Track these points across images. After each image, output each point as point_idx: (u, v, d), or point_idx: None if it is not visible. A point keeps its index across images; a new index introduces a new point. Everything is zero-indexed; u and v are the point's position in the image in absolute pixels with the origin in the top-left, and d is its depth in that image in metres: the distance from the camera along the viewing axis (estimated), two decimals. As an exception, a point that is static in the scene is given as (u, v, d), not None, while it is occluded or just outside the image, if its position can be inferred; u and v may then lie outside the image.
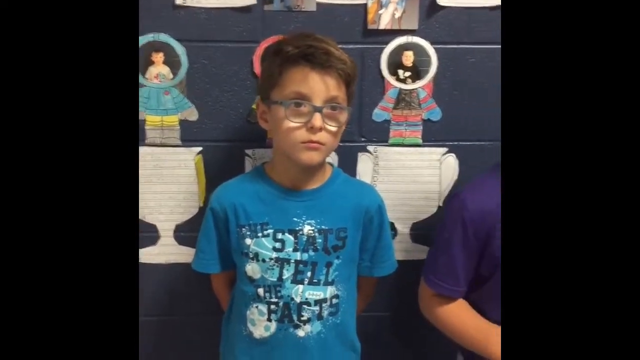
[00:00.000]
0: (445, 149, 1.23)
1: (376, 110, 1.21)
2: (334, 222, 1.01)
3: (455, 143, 1.24)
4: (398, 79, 1.19)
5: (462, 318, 0.96)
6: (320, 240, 1.00)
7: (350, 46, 1.17)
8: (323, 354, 1.03)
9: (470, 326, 0.95)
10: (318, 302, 1.01)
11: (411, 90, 1.20)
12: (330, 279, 1.02)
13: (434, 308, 0.99)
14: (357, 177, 1.25)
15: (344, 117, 0.97)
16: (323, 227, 1.00)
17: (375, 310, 1.26)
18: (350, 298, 1.06)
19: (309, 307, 1.01)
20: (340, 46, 1.04)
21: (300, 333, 1.01)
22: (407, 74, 1.19)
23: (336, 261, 1.02)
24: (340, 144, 1.23)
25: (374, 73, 1.19)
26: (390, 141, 1.23)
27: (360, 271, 1.09)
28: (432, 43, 1.18)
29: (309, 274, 1.00)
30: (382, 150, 1.23)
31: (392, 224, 1.25)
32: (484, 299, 0.96)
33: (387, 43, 1.17)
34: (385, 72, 1.19)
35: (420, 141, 1.23)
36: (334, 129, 0.95)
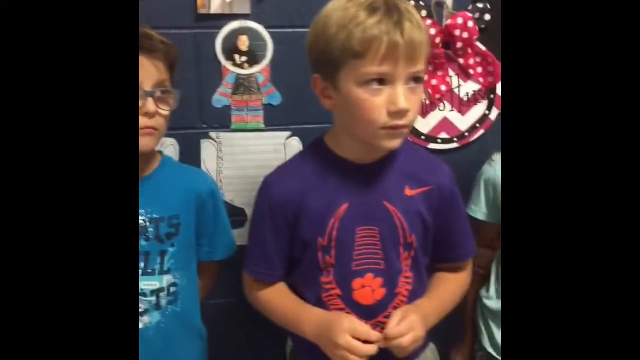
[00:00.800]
0: (288, 133, 1.25)
1: (215, 96, 1.20)
2: (164, 210, 1.00)
3: (299, 126, 1.25)
4: (235, 64, 1.19)
5: (278, 301, 0.96)
6: (151, 230, 0.98)
7: (184, 31, 1.15)
8: (164, 343, 1.02)
9: (286, 308, 0.95)
10: (154, 292, 1.00)
11: (249, 75, 1.20)
12: (165, 268, 1.00)
13: (254, 293, 0.99)
14: (202, 165, 1.24)
15: (173, 100, 0.96)
16: (154, 215, 0.99)
17: (222, 297, 1.26)
18: (190, 285, 1.05)
19: (144, 298, 0.99)
20: (172, 31, 1.03)
21: (139, 325, 0.99)
22: (244, 58, 1.19)
23: (171, 249, 1.00)
24: (182, 131, 1.23)
25: (210, 58, 1.18)
26: (233, 126, 1.23)
27: (200, 257, 1.08)
28: (266, 27, 1.18)
29: (142, 264, 0.98)
30: (225, 136, 1.23)
31: (242, 210, 1.25)
32: (298, 282, 0.97)
33: (220, 28, 1.17)
34: (220, 57, 1.18)
35: (262, 125, 1.23)
36: (165, 112, 0.94)
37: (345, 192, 0.90)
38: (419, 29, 0.80)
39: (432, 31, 1.17)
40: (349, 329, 0.83)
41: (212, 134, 1.23)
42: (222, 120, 1.22)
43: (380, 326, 0.89)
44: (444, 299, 0.96)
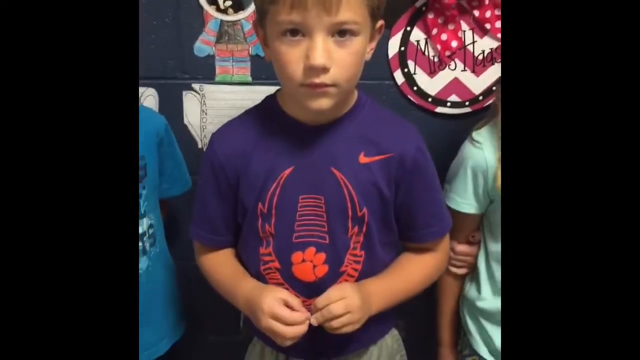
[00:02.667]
0: (277, 87, 1.14)
1: (197, 44, 1.10)
2: None
3: (290, 81, 1.14)
4: (218, 9, 1.08)
5: (219, 268, 0.89)
6: None
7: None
8: (155, 286, 1.03)
9: (224, 278, 0.87)
10: (139, 238, 0.99)
11: (234, 22, 1.09)
12: (142, 211, 0.99)
13: (199, 259, 0.92)
14: (185, 118, 1.16)
15: None
16: None
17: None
18: (160, 224, 1.06)
19: None
20: None
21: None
22: (228, 3, 1.07)
23: (143, 192, 0.99)
24: (161, 81, 1.14)
25: (191, 1, 1.07)
26: (217, 78, 1.13)
27: (160, 194, 1.06)
28: (253, -33, 1.06)
29: None
30: (209, 89, 1.14)
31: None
32: (241, 252, 0.90)
33: (201, -33, 1.05)
34: (202, 0, 1.07)
35: (249, 79, 1.13)
36: None
37: (291, 156, 0.81)
38: None
39: (441, -23, 1.02)
40: (270, 313, 0.76)
41: (195, 85, 1.14)
42: (205, 71, 1.13)
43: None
44: (397, 280, 0.85)
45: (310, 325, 0.77)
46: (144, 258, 1.00)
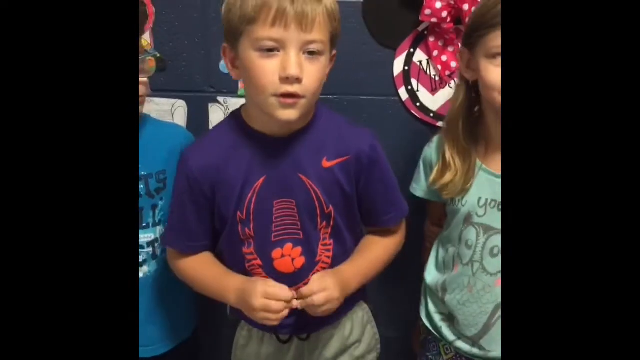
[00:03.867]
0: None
1: (222, 62, 1.23)
2: (152, 166, 1.05)
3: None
4: (242, 31, 1.21)
5: (201, 270, 0.97)
6: (142, 186, 1.04)
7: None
8: (164, 288, 1.10)
9: (209, 278, 0.96)
10: (150, 244, 1.07)
11: (256, 43, 1.22)
12: (157, 220, 1.07)
13: (177, 264, 0.99)
14: (210, 127, 1.27)
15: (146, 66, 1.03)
16: (143, 173, 1.04)
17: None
18: None
19: (142, 250, 1.06)
20: None
21: (139, 274, 1.07)
22: (251, 25, 1.20)
23: (160, 202, 1.07)
24: (190, 94, 1.27)
25: (217, 23, 1.19)
26: (239, 92, 1.25)
27: None
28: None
29: None
30: (232, 102, 1.26)
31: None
32: (224, 252, 0.99)
33: (229, -6, 1.18)
34: (228, 23, 1.20)
35: (268, 93, 1.25)
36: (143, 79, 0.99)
37: (262, 166, 0.91)
38: (316, 1, 0.81)
39: (439, 5, 1.14)
40: (263, 292, 0.86)
41: (220, 98, 1.26)
42: (229, 86, 1.25)
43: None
44: (366, 262, 0.98)
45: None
46: (153, 262, 1.07)
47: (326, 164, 0.92)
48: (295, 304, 0.88)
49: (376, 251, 1.00)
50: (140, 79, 0.98)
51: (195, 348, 1.21)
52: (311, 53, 0.82)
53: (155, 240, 1.07)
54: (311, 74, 0.82)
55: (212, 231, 0.97)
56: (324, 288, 0.87)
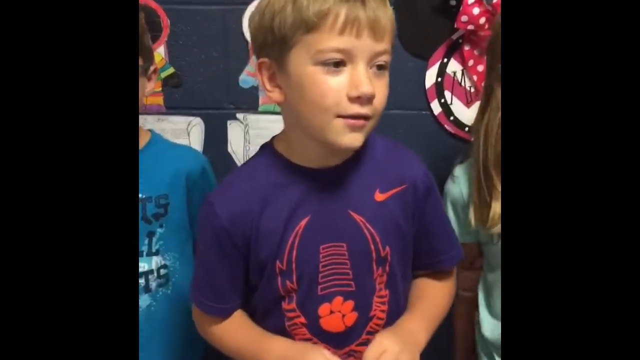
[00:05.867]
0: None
1: (242, 76, 1.16)
2: (152, 189, 0.97)
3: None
4: (263, 43, 1.13)
5: (234, 334, 0.82)
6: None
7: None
8: (156, 327, 0.99)
9: (243, 341, 0.81)
10: (143, 275, 0.97)
11: (278, 55, 1.14)
12: (154, 250, 0.98)
13: (205, 326, 0.84)
14: (229, 147, 1.20)
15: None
16: (141, 196, 0.96)
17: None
18: (185, 268, 1.01)
19: None
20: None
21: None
22: (272, 37, 1.13)
23: (159, 230, 0.98)
24: (209, 111, 1.20)
25: (237, 36, 1.14)
26: (260, 108, 1.18)
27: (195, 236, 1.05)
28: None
29: None
30: (252, 118, 1.19)
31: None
32: (257, 310, 0.83)
33: (248, 4, 1.11)
34: (248, 35, 1.13)
35: (291, 109, 1.18)
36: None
37: (304, 205, 0.77)
38: (383, 3, 0.70)
39: (476, 10, 1.05)
40: (321, 358, 0.73)
41: (239, 115, 1.19)
42: (249, 102, 1.18)
43: (353, 355, 0.79)
44: (431, 312, 0.82)
45: None
46: (145, 296, 0.98)
47: (379, 196, 0.78)
48: None
49: (435, 295, 0.84)
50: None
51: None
52: (379, 67, 0.70)
53: (150, 271, 0.98)
54: (381, 92, 0.70)
55: (246, 288, 0.82)
56: (382, 351, 0.72)
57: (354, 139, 0.70)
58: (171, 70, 1.17)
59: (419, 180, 0.80)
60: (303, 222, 0.77)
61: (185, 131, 1.19)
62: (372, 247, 0.78)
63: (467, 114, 1.18)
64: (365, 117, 0.69)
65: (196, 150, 1.13)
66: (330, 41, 0.66)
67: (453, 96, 1.18)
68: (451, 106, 1.18)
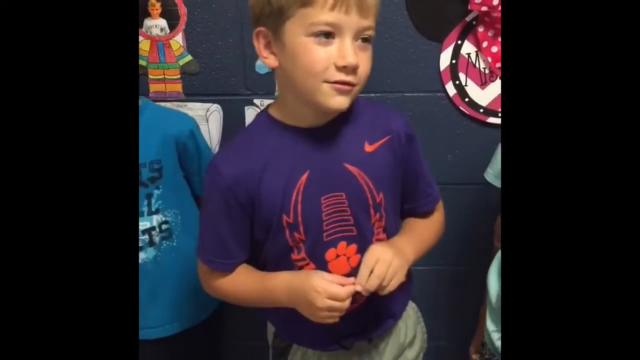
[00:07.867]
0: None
1: (258, 62, 1.18)
2: (145, 156, 1.04)
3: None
4: (278, 29, 1.15)
5: (241, 282, 0.89)
6: None
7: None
8: (164, 274, 1.11)
9: (250, 286, 0.88)
10: (146, 231, 1.08)
11: (293, 40, 1.16)
12: (154, 209, 1.08)
13: (213, 283, 0.91)
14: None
15: None
16: None
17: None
18: (186, 221, 1.12)
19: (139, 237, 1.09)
20: None
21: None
22: (288, 23, 1.15)
23: (157, 191, 1.07)
24: (226, 97, 1.23)
25: (253, 23, 1.15)
26: (277, 94, 1.19)
27: (194, 191, 1.16)
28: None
29: None
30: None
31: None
32: (268, 263, 0.90)
33: (264, -10, 1.13)
34: (264, 21, 1.15)
35: (307, 93, 1.20)
36: None
37: (303, 162, 0.83)
38: None
39: (490, -9, 1.05)
40: (324, 291, 0.79)
41: (257, 101, 1.21)
42: (266, 87, 1.20)
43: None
44: (418, 237, 0.91)
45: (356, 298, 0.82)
46: (150, 249, 1.09)
47: (369, 147, 0.86)
48: (359, 288, 0.80)
49: (423, 225, 0.94)
50: None
51: (209, 332, 1.23)
52: (364, 40, 0.77)
53: (152, 228, 1.08)
54: (364, 62, 0.77)
55: (250, 244, 0.89)
56: (376, 259, 0.80)
57: (342, 102, 0.77)
58: (189, 57, 1.19)
59: (402, 130, 0.88)
60: (303, 178, 0.83)
61: (204, 117, 1.21)
62: (368, 194, 0.86)
63: (481, 95, 1.19)
64: (350, 84, 0.76)
65: (184, 114, 1.17)
66: (322, 15, 0.73)
67: (468, 78, 1.18)
68: (466, 88, 1.19)
